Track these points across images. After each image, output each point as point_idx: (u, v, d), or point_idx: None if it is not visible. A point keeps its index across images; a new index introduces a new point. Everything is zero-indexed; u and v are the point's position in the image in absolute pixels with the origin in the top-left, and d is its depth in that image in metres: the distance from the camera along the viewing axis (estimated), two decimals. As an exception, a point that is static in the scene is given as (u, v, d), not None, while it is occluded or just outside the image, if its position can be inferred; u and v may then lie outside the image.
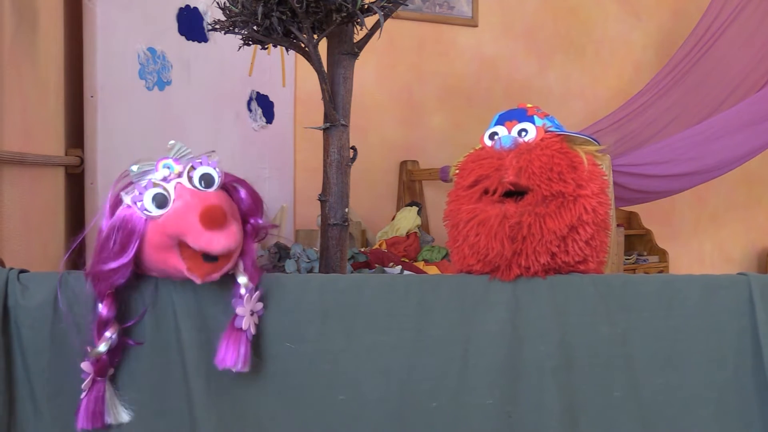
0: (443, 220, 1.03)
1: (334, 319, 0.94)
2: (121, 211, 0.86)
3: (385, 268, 2.19)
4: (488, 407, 0.94)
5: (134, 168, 0.87)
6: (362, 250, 2.48)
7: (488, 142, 1.00)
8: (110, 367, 0.89)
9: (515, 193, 0.95)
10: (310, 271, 1.96)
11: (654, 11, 3.77)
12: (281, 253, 2.06)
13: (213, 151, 0.90)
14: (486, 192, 0.95)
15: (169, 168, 0.87)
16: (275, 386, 0.93)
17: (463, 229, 0.96)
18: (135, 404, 0.91)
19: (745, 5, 3.23)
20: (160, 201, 0.85)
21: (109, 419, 0.89)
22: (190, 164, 0.88)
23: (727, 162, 2.78)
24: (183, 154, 0.89)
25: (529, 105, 1.03)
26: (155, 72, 2.17)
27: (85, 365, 0.87)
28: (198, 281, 0.86)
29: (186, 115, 2.28)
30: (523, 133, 0.98)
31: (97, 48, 1.95)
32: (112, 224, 0.85)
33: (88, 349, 0.87)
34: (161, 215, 0.84)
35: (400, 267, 2.21)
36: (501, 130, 1.00)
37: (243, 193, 0.91)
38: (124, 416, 0.90)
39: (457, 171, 1.01)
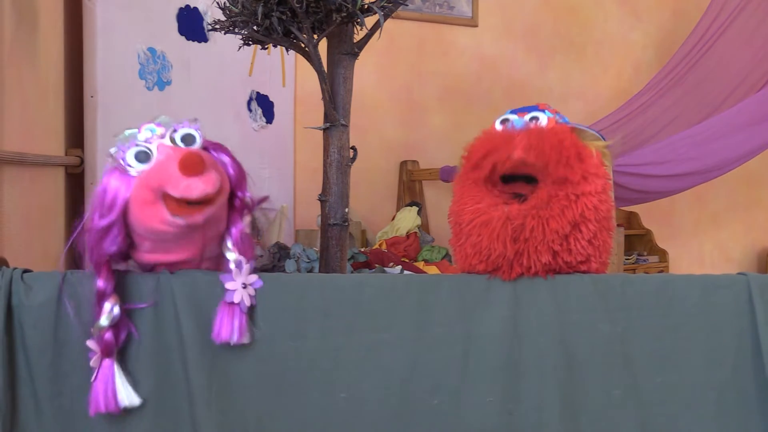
0: (448, 217, 1.02)
1: (335, 318, 0.94)
2: (106, 176, 0.89)
3: (385, 268, 2.19)
4: (489, 405, 0.94)
5: (120, 136, 0.90)
6: (362, 250, 2.48)
7: (499, 127, 0.99)
8: (116, 345, 0.89)
9: (521, 179, 0.94)
10: (310, 271, 1.96)
11: (654, 11, 3.77)
12: (281, 253, 2.06)
13: (195, 118, 0.94)
14: (494, 170, 0.93)
15: (151, 131, 0.90)
16: (276, 384, 0.93)
17: (466, 227, 0.96)
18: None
19: (745, 5, 3.23)
20: (143, 157, 0.88)
21: (122, 401, 0.88)
22: (172, 127, 0.92)
23: (727, 162, 2.78)
24: (166, 121, 0.92)
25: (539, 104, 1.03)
26: (155, 72, 2.17)
27: (91, 343, 0.88)
28: (181, 222, 0.86)
29: (186, 115, 2.27)
30: (535, 120, 0.97)
31: (97, 48, 1.96)
32: (101, 188, 0.88)
33: (92, 330, 0.88)
34: (144, 170, 0.87)
35: (400, 267, 2.21)
36: (513, 117, 0.99)
37: (229, 168, 0.93)
38: (136, 398, 0.89)
39: (465, 154, 0.99)
